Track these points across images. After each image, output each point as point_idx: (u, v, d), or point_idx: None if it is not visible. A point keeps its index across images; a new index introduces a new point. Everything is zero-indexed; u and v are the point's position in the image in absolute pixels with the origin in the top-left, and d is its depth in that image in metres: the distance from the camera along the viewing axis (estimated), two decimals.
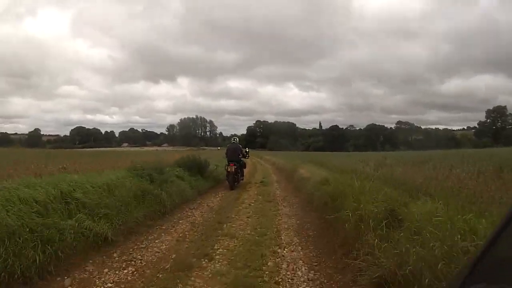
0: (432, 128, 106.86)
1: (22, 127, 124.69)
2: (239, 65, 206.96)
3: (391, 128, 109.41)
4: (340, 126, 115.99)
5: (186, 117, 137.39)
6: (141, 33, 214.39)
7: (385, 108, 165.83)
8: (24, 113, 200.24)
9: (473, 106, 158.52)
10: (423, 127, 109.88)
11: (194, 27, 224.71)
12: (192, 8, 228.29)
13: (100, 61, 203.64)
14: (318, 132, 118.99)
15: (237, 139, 12.73)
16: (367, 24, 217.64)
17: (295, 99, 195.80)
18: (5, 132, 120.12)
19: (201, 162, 11.52)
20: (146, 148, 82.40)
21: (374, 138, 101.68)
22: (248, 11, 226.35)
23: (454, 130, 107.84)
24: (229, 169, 11.00)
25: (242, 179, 12.47)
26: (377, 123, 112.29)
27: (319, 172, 10.41)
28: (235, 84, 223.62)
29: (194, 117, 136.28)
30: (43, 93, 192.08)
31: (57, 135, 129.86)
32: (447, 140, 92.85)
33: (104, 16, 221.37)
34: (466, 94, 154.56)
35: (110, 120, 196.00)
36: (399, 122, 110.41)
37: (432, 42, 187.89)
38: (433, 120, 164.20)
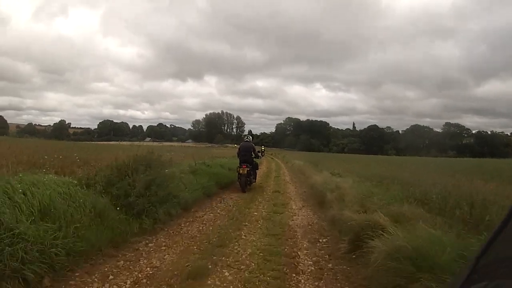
0: (486, 132, 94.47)
1: (57, 120, 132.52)
2: (265, 64, 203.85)
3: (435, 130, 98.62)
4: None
5: (211, 112, 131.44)
6: (168, 31, 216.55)
7: (418, 111, 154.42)
8: (59, 107, 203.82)
9: (509, 111, 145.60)
10: (474, 131, 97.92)
11: (220, 25, 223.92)
12: (217, 6, 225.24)
13: (130, 58, 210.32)
14: (352, 133, 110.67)
15: (251, 137, 12.03)
16: (397, 23, 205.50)
17: (324, 99, 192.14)
18: (31, 123, 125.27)
19: None
20: (167, 143, 79.24)
21: (417, 141, 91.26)
22: (275, 9, 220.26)
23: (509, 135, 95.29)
24: (241, 171, 10.28)
25: (255, 181, 11.52)
26: (420, 124, 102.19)
27: None
28: (261, 83, 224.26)
29: (220, 112, 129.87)
30: (76, 89, 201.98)
31: (88, 127, 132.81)
32: (503, 146, 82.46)
33: (132, 16, 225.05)
34: (504, 98, 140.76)
35: (142, 115, 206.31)
36: (447, 124, 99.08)
37: (467, 42, 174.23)
38: (469, 125, 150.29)
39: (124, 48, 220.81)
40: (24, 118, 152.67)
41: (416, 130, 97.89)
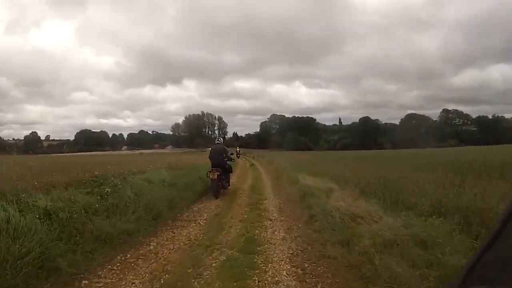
0: (487, 117, 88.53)
1: (40, 133, 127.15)
2: (244, 65, 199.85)
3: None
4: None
5: (191, 114, 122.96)
6: (143, 39, 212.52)
7: (400, 104, 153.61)
8: (41, 120, 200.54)
9: (489, 98, 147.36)
10: (474, 116, 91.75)
11: (195, 29, 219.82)
12: (191, 10, 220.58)
13: (107, 67, 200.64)
14: (340, 128, 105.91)
15: (221, 139, 11.83)
16: (373, 16, 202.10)
17: (306, 97, 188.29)
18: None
19: None
20: (139, 151, 73.28)
21: (415, 131, 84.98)
22: (249, 11, 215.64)
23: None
24: (211, 176, 9.83)
25: (228, 186, 11.15)
26: (417, 113, 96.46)
27: None
28: (242, 84, 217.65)
29: (200, 114, 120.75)
30: (56, 100, 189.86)
31: (68, 139, 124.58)
32: (506, 130, 76.77)
33: (106, 26, 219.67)
34: (483, 86, 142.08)
35: (125, 123, 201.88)
36: (444, 111, 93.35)
37: (443, 31, 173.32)
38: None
39: (101, 57, 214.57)
40: (4, 133, 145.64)
41: (413, 119, 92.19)
